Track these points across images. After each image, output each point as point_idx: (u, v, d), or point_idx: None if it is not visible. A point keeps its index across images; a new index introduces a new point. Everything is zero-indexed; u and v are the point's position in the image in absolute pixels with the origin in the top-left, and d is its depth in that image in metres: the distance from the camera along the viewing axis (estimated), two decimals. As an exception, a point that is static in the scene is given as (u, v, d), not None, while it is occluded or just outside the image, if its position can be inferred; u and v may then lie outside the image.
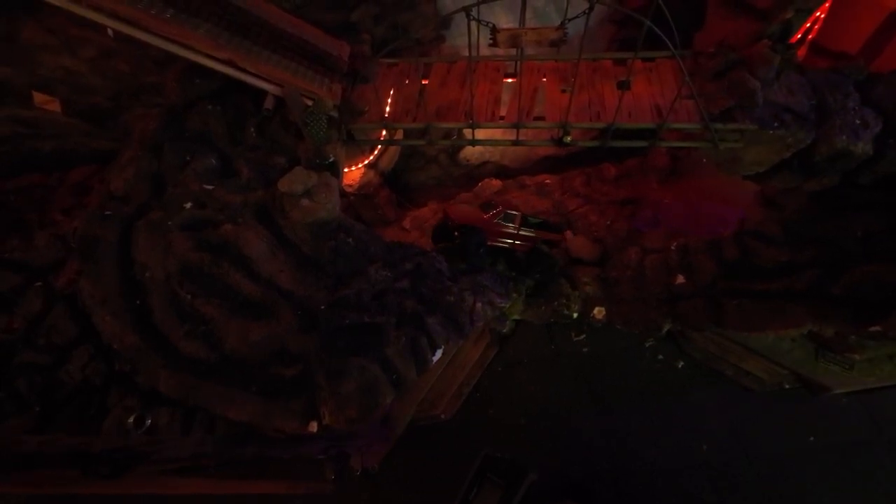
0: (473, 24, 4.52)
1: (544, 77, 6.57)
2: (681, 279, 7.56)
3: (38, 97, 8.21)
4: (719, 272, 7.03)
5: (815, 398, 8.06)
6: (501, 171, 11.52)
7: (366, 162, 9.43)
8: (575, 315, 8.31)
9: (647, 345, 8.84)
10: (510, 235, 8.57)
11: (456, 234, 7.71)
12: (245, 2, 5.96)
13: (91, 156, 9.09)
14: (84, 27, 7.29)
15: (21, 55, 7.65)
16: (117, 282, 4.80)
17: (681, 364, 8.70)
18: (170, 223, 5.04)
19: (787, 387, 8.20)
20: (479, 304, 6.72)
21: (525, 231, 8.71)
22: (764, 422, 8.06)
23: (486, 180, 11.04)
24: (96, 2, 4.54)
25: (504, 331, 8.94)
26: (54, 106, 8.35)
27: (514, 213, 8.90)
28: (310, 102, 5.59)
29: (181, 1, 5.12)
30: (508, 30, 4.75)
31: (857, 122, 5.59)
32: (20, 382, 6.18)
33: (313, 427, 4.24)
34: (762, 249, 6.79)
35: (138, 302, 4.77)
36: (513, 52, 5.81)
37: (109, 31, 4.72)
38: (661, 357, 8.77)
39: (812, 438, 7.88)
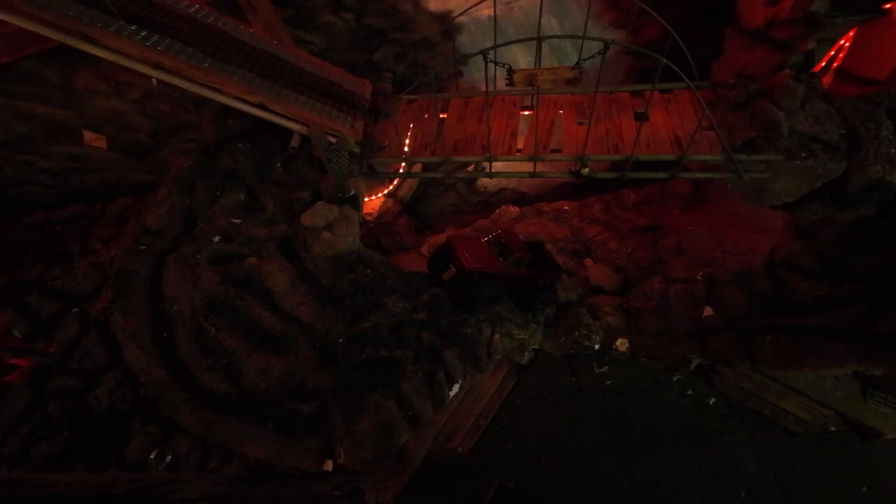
0: (490, 64, 4.66)
1: (561, 110, 6.64)
2: (709, 311, 7.24)
3: (88, 135, 8.96)
4: (750, 305, 6.69)
5: (866, 443, 7.38)
6: (519, 198, 11.58)
7: (385, 191, 9.67)
8: (596, 346, 8.02)
9: (674, 379, 8.40)
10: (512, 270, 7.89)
11: (456, 270, 6.96)
12: (275, 48, 6.40)
13: (130, 188, 9.74)
14: (132, 73, 7.97)
15: (76, 99, 8.41)
16: (147, 315, 5.00)
17: (712, 401, 8.18)
18: (199, 257, 5.26)
19: (832, 429, 7.55)
20: (496, 336, 6.61)
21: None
22: (809, 468, 7.40)
23: (504, 207, 11.10)
24: (144, 55, 4.97)
25: (523, 361, 8.71)
26: (101, 143, 9.08)
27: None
28: (333, 140, 5.83)
29: (219, 51, 5.54)
30: (525, 70, 4.87)
31: (893, 151, 5.36)
32: (52, 408, 6.41)
33: (328, 466, 4.18)
34: (797, 282, 6.45)
35: (165, 335, 4.94)
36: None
37: (154, 81, 5.12)
38: (690, 393, 8.29)
39: (865, 489, 7.17)
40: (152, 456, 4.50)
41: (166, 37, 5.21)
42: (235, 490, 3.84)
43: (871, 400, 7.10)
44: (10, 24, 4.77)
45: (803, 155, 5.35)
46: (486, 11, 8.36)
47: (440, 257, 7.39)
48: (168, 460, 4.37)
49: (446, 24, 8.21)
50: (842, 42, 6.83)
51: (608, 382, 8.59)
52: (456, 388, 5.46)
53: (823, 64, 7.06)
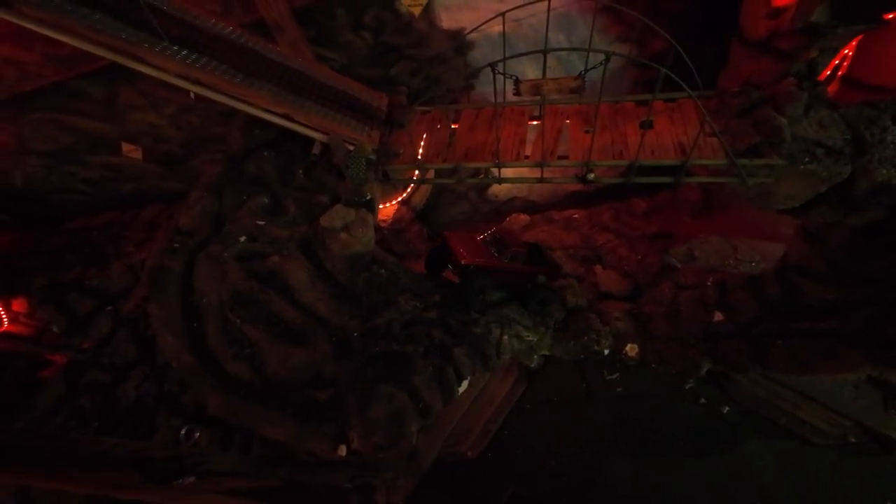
0: (499, 76, 5.00)
1: (568, 119, 6.92)
2: (719, 316, 7.25)
3: (125, 147, 9.67)
4: (761, 310, 6.70)
5: (889, 455, 7.16)
6: (529, 207, 11.79)
7: (399, 199, 10.04)
8: (606, 351, 8.06)
9: (686, 386, 8.33)
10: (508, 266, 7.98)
11: (453, 267, 7.11)
12: (300, 64, 6.90)
13: (161, 196, 10.37)
14: (169, 89, 8.64)
15: (117, 113, 9.13)
16: (179, 307, 5.38)
17: (726, 409, 8.07)
18: (226, 255, 5.66)
19: (852, 440, 7.35)
20: (505, 337, 6.78)
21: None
22: (828, 480, 7.20)
23: (514, 215, 11.32)
24: (184, 72, 5.49)
25: (532, 366, 8.78)
26: (137, 154, 9.77)
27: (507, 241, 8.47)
28: (351, 147, 6.23)
29: (249, 67, 6.05)
30: (530, 81, 5.19)
31: (899, 155, 5.43)
32: (84, 401, 6.82)
33: (342, 451, 4.39)
34: (807, 286, 6.45)
35: (195, 325, 5.30)
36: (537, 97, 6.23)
37: (192, 95, 5.63)
38: (703, 401, 8.20)
39: None
40: (182, 432, 4.82)
41: (203, 55, 5.74)
42: (255, 470, 4.11)
43: (893, 410, 6.92)
44: (66, 46, 5.35)
45: (807, 159, 5.46)
46: (496, 28, 8.79)
47: (437, 256, 7.60)
48: (196, 437, 4.67)
49: (458, 41, 8.67)
50: (845, 51, 6.95)
51: (619, 389, 8.56)
52: (465, 384, 5.62)
53: (829, 72, 7.18)
